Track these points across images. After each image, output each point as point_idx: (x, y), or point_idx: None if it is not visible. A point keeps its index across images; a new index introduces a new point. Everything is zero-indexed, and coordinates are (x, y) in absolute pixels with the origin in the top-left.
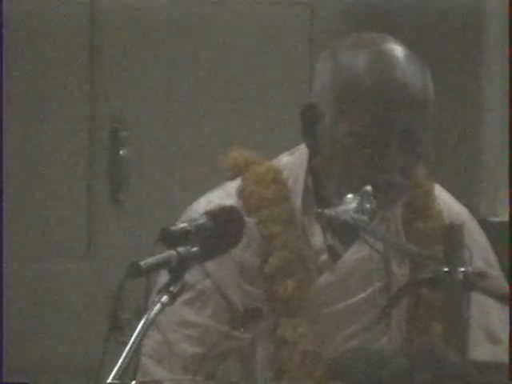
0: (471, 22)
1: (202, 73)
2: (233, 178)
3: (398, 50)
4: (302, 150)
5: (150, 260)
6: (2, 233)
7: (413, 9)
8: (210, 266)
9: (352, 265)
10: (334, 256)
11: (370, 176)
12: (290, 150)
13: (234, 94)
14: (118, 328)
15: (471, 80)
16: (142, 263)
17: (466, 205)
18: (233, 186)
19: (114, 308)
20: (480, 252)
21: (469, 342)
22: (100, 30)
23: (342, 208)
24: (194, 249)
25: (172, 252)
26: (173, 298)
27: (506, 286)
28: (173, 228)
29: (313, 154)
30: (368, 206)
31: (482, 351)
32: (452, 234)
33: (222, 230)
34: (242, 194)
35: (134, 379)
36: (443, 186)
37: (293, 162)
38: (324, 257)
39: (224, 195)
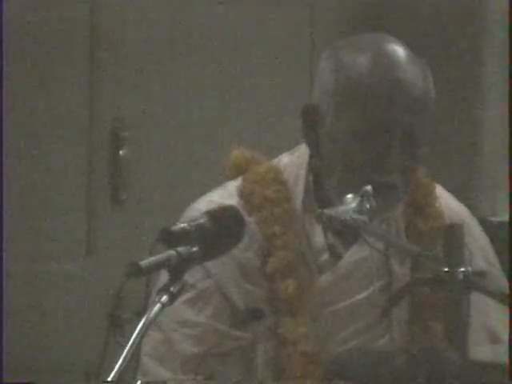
0: (471, 21)
1: (201, 73)
2: (233, 177)
3: (398, 51)
4: (302, 150)
5: (150, 260)
6: (2, 233)
7: (413, 9)
8: (211, 265)
9: (353, 265)
10: (335, 256)
11: (371, 177)
12: (291, 150)
13: (234, 94)
14: (118, 328)
15: (471, 80)
16: (142, 263)
17: (465, 204)
18: (233, 185)
19: (113, 308)
20: (481, 251)
21: (469, 342)
22: (100, 30)
23: (342, 208)
24: (194, 249)
25: (172, 252)
26: (173, 297)
27: (506, 285)
28: (173, 228)
29: (314, 154)
30: (368, 206)
31: (483, 351)
32: (452, 233)
33: (222, 229)
34: (242, 193)
35: (134, 379)
36: (443, 185)
37: (293, 162)
38: (325, 256)
39: (225, 195)
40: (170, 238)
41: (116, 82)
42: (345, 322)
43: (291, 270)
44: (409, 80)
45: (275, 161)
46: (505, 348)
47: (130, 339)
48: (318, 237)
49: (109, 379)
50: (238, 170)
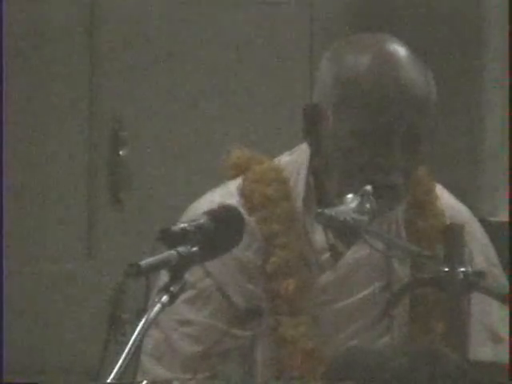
0: (471, 21)
1: (201, 72)
2: (234, 177)
3: (400, 51)
4: (302, 150)
5: (150, 260)
6: (2, 233)
7: (413, 9)
8: (211, 264)
9: (353, 264)
10: (336, 255)
11: (372, 176)
12: (291, 150)
13: (234, 93)
14: (118, 328)
15: (471, 80)
16: (142, 263)
17: (465, 204)
18: (234, 185)
19: (113, 308)
20: (481, 251)
21: (471, 342)
22: (100, 30)
23: (342, 208)
24: (194, 249)
25: (172, 252)
26: (173, 297)
27: (506, 285)
28: (173, 228)
29: (315, 153)
30: (368, 205)
31: (484, 351)
32: (453, 233)
33: (223, 229)
34: (243, 193)
35: (135, 379)
36: (443, 185)
37: (294, 161)
38: (325, 256)
39: (225, 194)
40: (170, 238)
41: (116, 82)
42: (345, 321)
43: (291, 270)
44: (410, 80)
45: (276, 160)
46: (506, 348)
47: (130, 339)
48: (319, 236)
49: (109, 379)
50: (239, 170)
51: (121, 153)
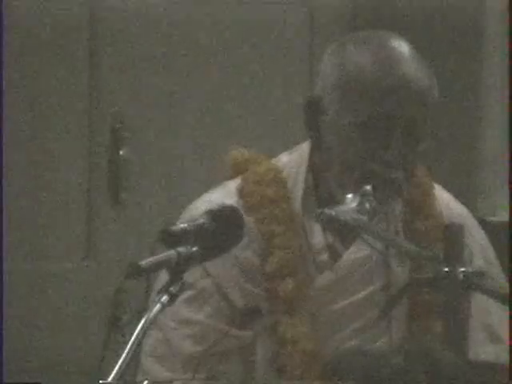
0: (471, 21)
1: (201, 72)
2: (233, 177)
3: (403, 47)
4: (301, 149)
5: (150, 260)
6: (2, 233)
7: (413, 9)
8: (210, 265)
9: (352, 264)
10: (334, 255)
11: (371, 169)
12: (290, 150)
13: (234, 93)
14: (118, 328)
15: (471, 79)
16: (142, 263)
17: (465, 205)
18: (233, 185)
19: (113, 308)
20: (480, 251)
21: (470, 342)
22: (100, 31)
23: (341, 208)
24: (194, 249)
25: (172, 252)
26: (173, 298)
27: (506, 285)
28: (173, 228)
29: (315, 146)
30: (368, 205)
31: (484, 351)
32: (452, 233)
33: (222, 229)
34: (242, 193)
35: (135, 379)
36: (443, 185)
37: (293, 161)
38: (324, 256)
39: (224, 194)
40: (170, 238)
41: (117, 82)
42: (344, 321)
43: (290, 270)
44: (412, 74)
45: (274, 160)
46: (505, 348)
47: (130, 339)
48: (318, 236)
49: (109, 379)
50: (238, 170)
51: (121, 153)
